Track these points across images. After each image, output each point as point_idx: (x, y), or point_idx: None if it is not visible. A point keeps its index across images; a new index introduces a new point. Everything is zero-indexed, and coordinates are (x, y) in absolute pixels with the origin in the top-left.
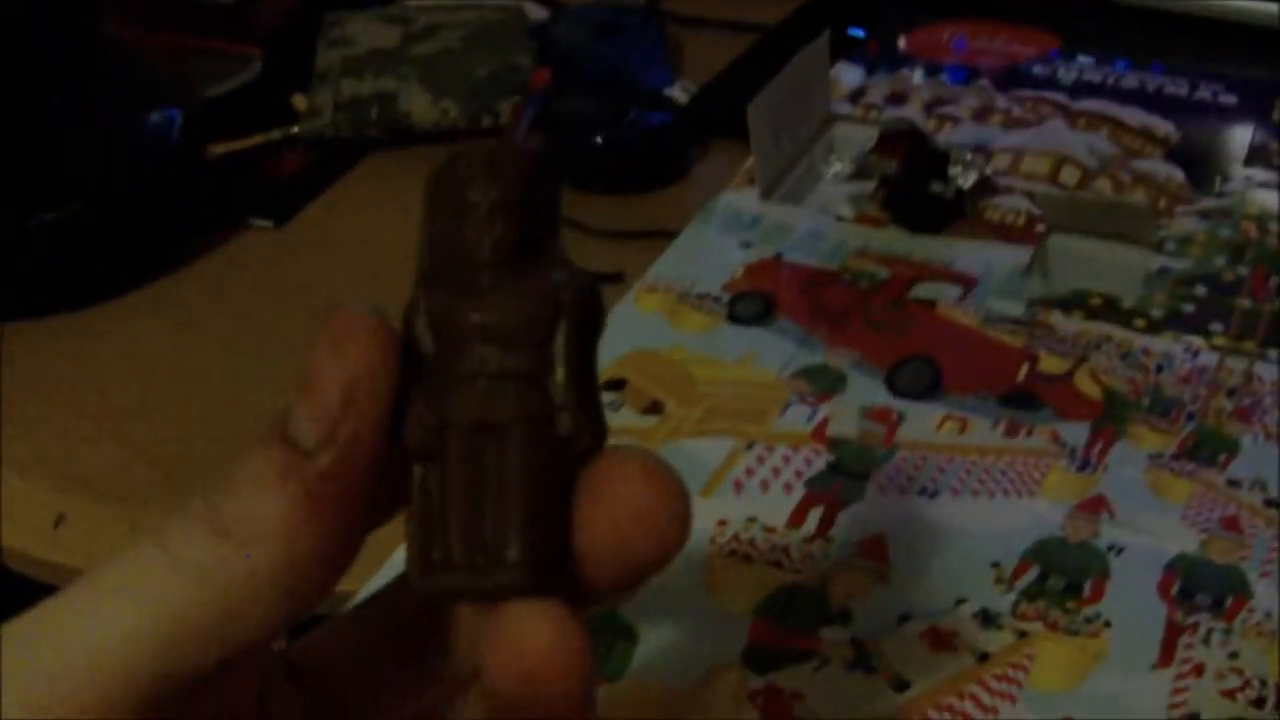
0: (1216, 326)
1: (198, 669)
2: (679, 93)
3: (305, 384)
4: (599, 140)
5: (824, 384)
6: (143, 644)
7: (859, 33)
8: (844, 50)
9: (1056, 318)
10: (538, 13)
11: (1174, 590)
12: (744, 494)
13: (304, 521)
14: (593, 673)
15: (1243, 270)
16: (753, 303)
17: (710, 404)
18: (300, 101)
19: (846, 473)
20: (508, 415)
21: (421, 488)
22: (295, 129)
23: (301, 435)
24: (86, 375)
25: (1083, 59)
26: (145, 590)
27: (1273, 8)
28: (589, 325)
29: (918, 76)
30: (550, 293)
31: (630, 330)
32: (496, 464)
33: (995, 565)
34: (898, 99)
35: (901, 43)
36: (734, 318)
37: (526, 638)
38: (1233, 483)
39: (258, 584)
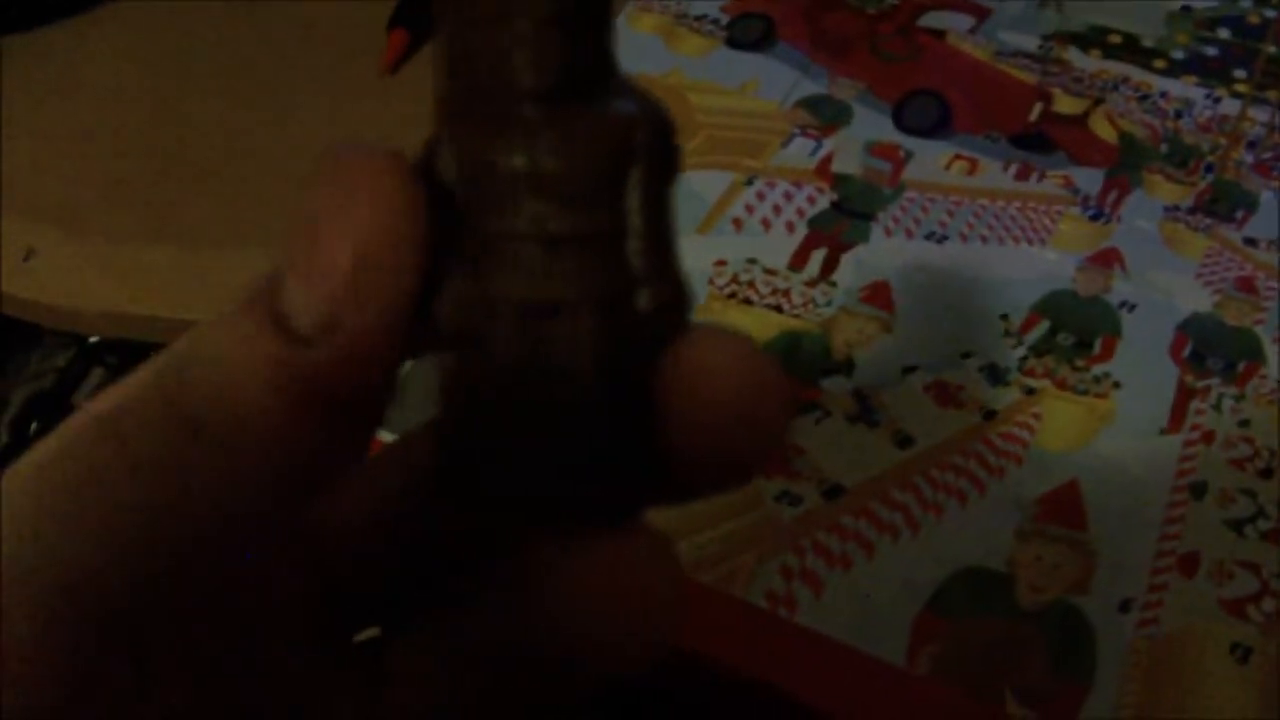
0: (1240, 73)
1: (148, 590)
2: None
3: (302, 243)
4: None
5: (828, 116)
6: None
7: None
8: None
9: (1073, 54)
10: None
11: (1186, 352)
12: (744, 232)
13: (299, 425)
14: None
15: (1269, 14)
16: (753, 25)
17: (708, 134)
18: None
19: (851, 212)
20: (573, 291)
21: (461, 381)
22: None
23: (296, 315)
24: (49, 100)
25: None
26: (93, 492)
27: None
28: (666, 171)
29: None
30: (620, 128)
31: (624, 53)
32: (564, 353)
33: (1004, 317)
34: None
35: None
36: (733, 41)
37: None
38: (1250, 241)
39: (239, 496)
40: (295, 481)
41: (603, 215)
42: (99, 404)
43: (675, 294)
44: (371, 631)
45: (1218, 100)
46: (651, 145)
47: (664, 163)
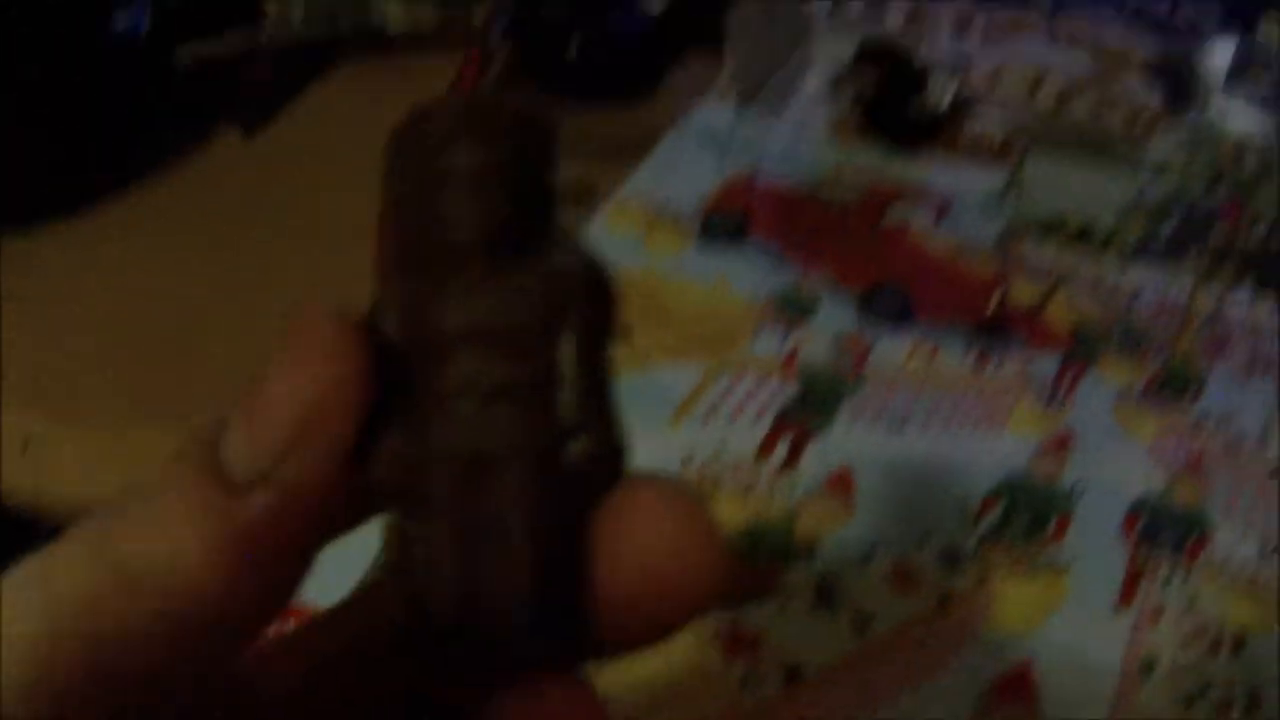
0: (1190, 256)
1: None
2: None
3: (248, 397)
4: (574, 48)
5: (796, 309)
6: None
7: None
8: None
9: (1030, 244)
10: None
11: (1136, 530)
12: (712, 423)
13: (223, 570)
14: None
15: (1218, 200)
16: (726, 221)
17: (681, 329)
18: (271, 6)
19: (816, 403)
20: (505, 444)
21: (401, 534)
22: (265, 32)
23: (235, 464)
24: (51, 291)
25: None
26: (14, 622)
27: None
28: (602, 322)
29: None
30: (553, 282)
31: (602, 251)
32: (495, 507)
33: (961, 502)
34: (878, 11)
35: None
36: (707, 237)
37: None
38: (1199, 421)
39: (167, 637)
40: (224, 628)
41: (536, 368)
42: (37, 555)
43: (608, 444)
44: None
45: (1168, 285)
46: (587, 297)
47: (599, 315)
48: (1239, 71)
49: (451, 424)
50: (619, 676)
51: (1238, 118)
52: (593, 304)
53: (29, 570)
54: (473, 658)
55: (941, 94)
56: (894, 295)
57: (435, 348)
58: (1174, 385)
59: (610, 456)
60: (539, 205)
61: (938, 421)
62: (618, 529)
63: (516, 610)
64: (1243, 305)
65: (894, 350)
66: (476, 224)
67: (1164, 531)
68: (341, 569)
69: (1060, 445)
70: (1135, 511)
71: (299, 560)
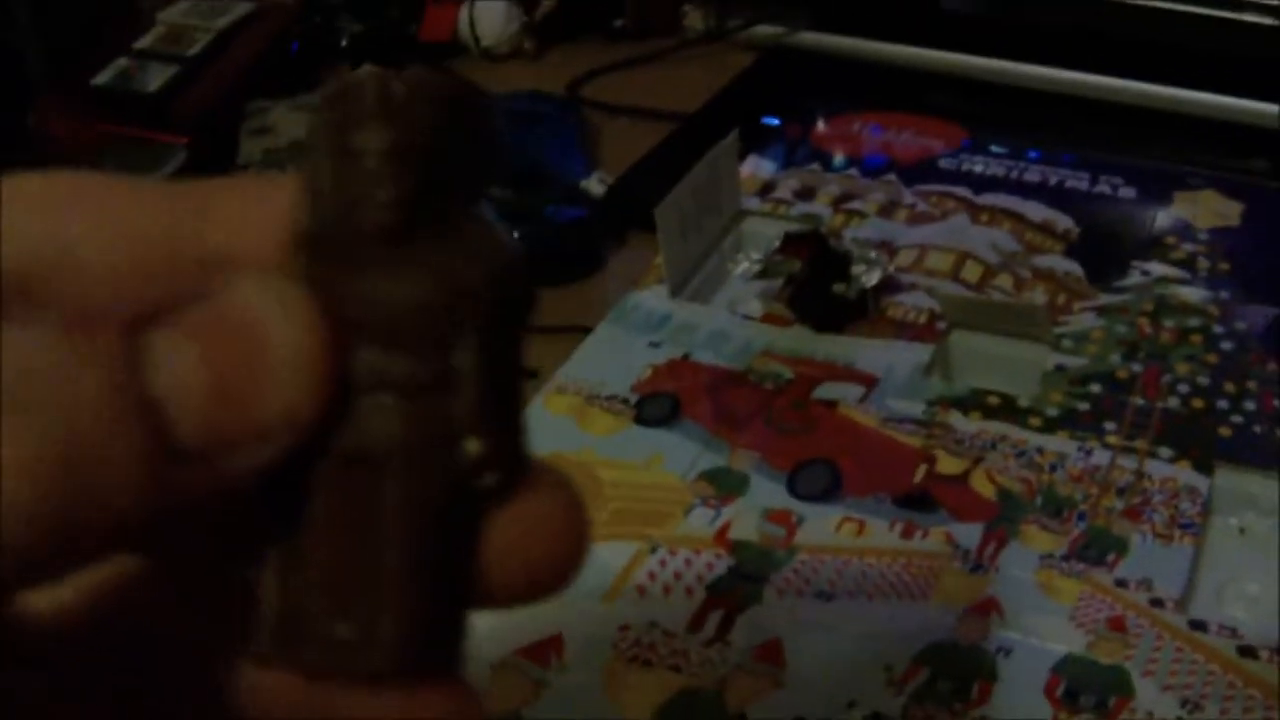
0: (1110, 425)
1: None
2: (596, 184)
3: (215, 348)
4: (515, 236)
5: (727, 487)
6: None
7: (774, 121)
8: (758, 140)
9: (955, 417)
10: None
11: (1059, 691)
12: (646, 598)
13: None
14: None
15: (1136, 368)
16: (660, 404)
17: (615, 507)
18: None
19: (746, 576)
20: (390, 442)
21: (278, 530)
22: None
23: (183, 422)
24: None
25: (994, 149)
26: None
27: (1175, 93)
28: (510, 316)
29: (832, 167)
30: (453, 272)
31: (539, 433)
32: (373, 508)
33: (887, 668)
34: (807, 194)
35: (819, 128)
36: (641, 419)
37: None
38: (1120, 582)
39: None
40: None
41: (430, 360)
42: None
43: (506, 446)
44: None
45: (1089, 452)
46: (492, 286)
47: (506, 308)
48: (1157, 243)
49: (340, 418)
50: None
51: (1155, 289)
52: (499, 296)
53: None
54: (332, 668)
55: (866, 276)
56: (823, 471)
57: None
58: (1095, 549)
59: (506, 458)
60: (458, 186)
61: (865, 591)
62: (506, 532)
63: (386, 619)
64: (1162, 470)
65: (823, 523)
66: (381, 205)
67: (1086, 691)
68: None
69: (984, 611)
70: (1058, 673)
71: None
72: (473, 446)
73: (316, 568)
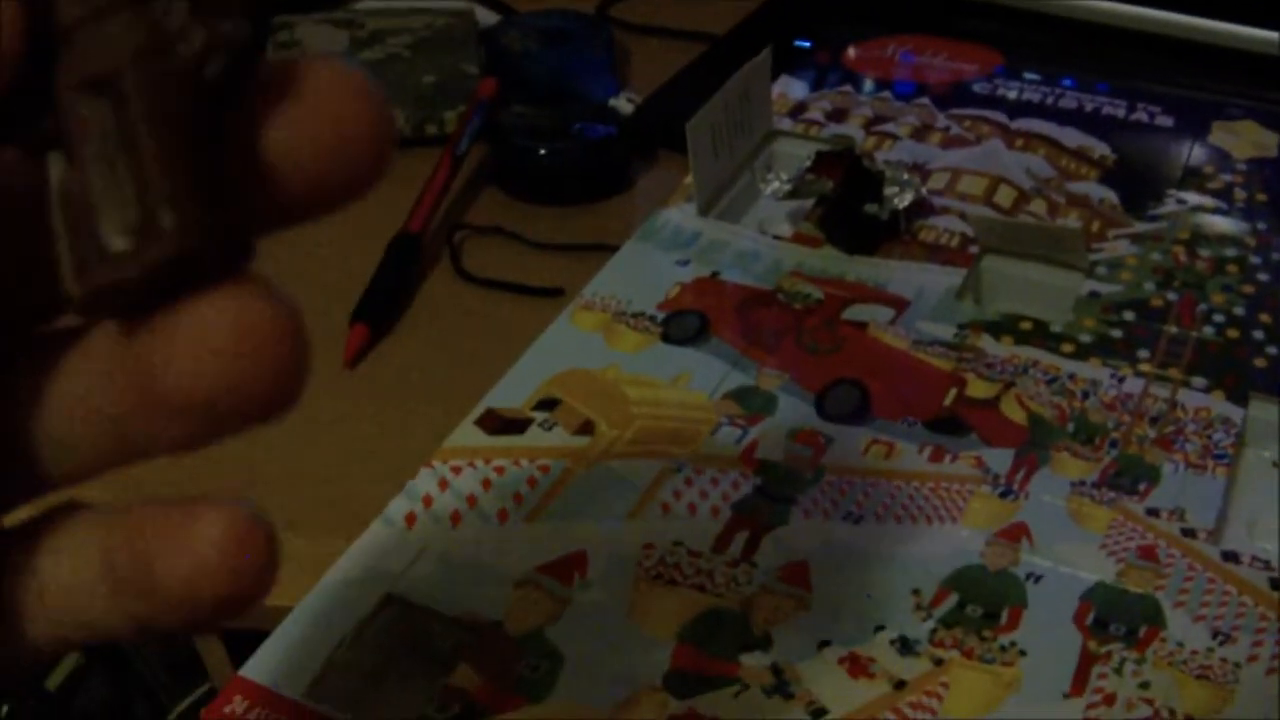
0: (1143, 353)
1: None
2: (624, 103)
3: None
4: (542, 152)
5: (754, 406)
6: None
7: (805, 44)
8: (790, 62)
9: (986, 341)
10: (488, 18)
11: (1089, 619)
12: (670, 516)
13: None
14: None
15: (1171, 296)
16: (687, 322)
17: (641, 425)
18: None
19: (773, 496)
20: (115, 60)
21: (54, 177)
22: None
23: None
24: None
25: (1029, 76)
26: None
27: (1215, 25)
28: None
29: (863, 91)
30: None
31: (566, 348)
32: (119, 123)
33: (915, 592)
34: (839, 115)
35: (850, 53)
36: (668, 337)
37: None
38: (1151, 511)
39: None
40: None
41: None
42: None
43: (226, 28)
44: None
45: (1122, 380)
46: None
47: None
48: (1194, 171)
49: (71, 53)
50: None
51: (1190, 218)
52: None
53: None
54: (130, 279)
55: (899, 197)
56: (851, 392)
57: None
58: (1127, 478)
59: (225, 40)
60: None
61: (893, 514)
62: (283, 112)
63: (164, 209)
64: (1195, 399)
65: (851, 445)
66: None
67: (1116, 620)
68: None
69: (1013, 536)
70: (1087, 600)
71: None
72: (197, 37)
73: (94, 196)
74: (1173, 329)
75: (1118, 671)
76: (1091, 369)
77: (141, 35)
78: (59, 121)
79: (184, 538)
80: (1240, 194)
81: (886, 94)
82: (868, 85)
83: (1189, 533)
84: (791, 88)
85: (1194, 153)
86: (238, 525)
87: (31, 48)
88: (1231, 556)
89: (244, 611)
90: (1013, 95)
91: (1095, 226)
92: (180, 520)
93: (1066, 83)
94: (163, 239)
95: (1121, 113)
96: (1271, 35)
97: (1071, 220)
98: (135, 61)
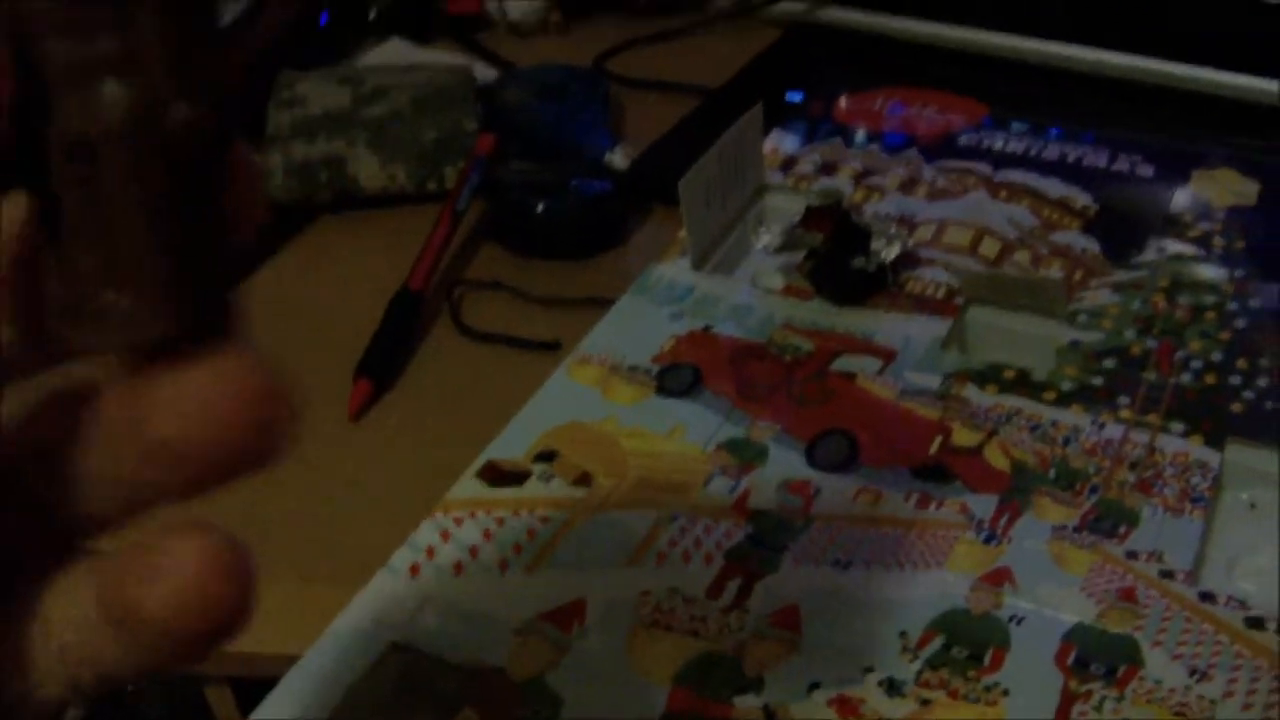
0: (1123, 399)
1: None
2: (620, 158)
3: None
4: (539, 209)
5: (746, 456)
6: None
7: (797, 97)
8: (781, 115)
9: (971, 390)
10: (485, 73)
11: (1070, 659)
12: (666, 565)
13: None
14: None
15: (1150, 344)
16: (681, 375)
17: (637, 476)
18: None
19: (765, 544)
20: (100, 124)
21: (47, 226)
22: None
23: None
24: None
25: (1016, 126)
26: None
27: (1194, 72)
28: None
29: (854, 143)
30: None
31: (563, 402)
32: (104, 187)
33: (902, 635)
34: (829, 169)
35: (841, 105)
36: (663, 390)
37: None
38: (1131, 554)
39: None
40: None
41: (121, 38)
42: None
43: (207, 106)
44: None
45: (1102, 426)
46: None
47: None
48: (1174, 221)
49: (55, 111)
50: None
51: (1170, 266)
52: None
53: None
54: (109, 342)
55: (886, 250)
56: (840, 442)
57: (26, 35)
58: (1107, 521)
59: (212, 118)
60: None
61: (881, 560)
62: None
63: (144, 284)
64: (1174, 444)
65: (840, 493)
66: None
67: (1096, 660)
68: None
69: (997, 580)
70: (1069, 641)
71: None
72: (183, 105)
73: (81, 255)
74: (1152, 376)
75: (1098, 709)
76: (1073, 416)
77: (126, 105)
78: (50, 177)
79: (161, 572)
80: (1219, 241)
81: (875, 147)
82: (859, 137)
83: (1167, 574)
84: (783, 141)
85: (1175, 201)
86: (210, 553)
87: (20, 100)
88: (1208, 597)
89: (233, 636)
90: (998, 146)
91: (1077, 276)
92: (157, 556)
93: (1053, 133)
94: (151, 312)
95: (1103, 162)
96: (1251, 82)
97: (1054, 271)
98: (119, 130)
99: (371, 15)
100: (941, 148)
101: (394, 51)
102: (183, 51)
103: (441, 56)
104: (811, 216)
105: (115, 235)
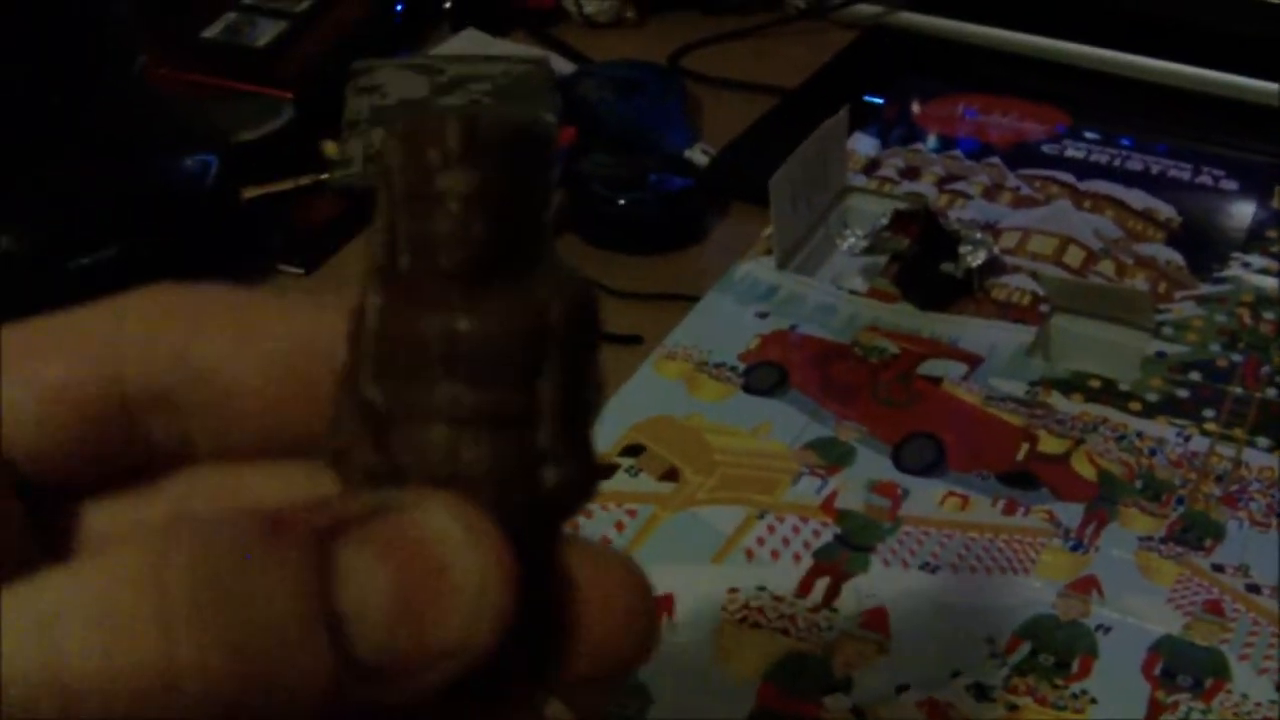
0: (1209, 413)
1: None
2: (699, 154)
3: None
4: (621, 202)
5: (833, 457)
6: None
7: (877, 100)
8: (860, 117)
9: (1056, 398)
10: (563, 67)
11: (1157, 670)
12: (754, 562)
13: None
14: None
15: (1236, 358)
16: (767, 374)
17: (724, 473)
18: (330, 148)
19: (852, 545)
20: (479, 469)
21: None
22: (325, 176)
23: (365, 638)
24: None
25: (1090, 135)
26: None
27: (1274, 87)
28: (584, 347)
29: (931, 148)
30: (535, 310)
31: (650, 396)
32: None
33: (989, 640)
34: (912, 173)
35: (915, 110)
36: (749, 388)
37: None
38: (1217, 567)
39: None
40: None
41: (513, 395)
42: None
43: (581, 470)
44: None
45: (1188, 438)
46: (569, 324)
47: (581, 340)
48: (1257, 234)
49: (427, 443)
50: None
51: (1255, 280)
52: (576, 330)
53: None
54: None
55: (972, 256)
56: (927, 445)
57: (415, 368)
58: (1193, 534)
59: (582, 482)
60: (529, 226)
61: (968, 564)
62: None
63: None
64: (1259, 459)
65: (927, 497)
66: (463, 247)
67: (1183, 672)
68: None
69: (1084, 588)
70: (1155, 652)
71: None
72: (552, 474)
73: None
74: (1237, 389)
75: None
76: (1158, 427)
77: (509, 454)
78: None
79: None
80: None
81: (957, 152)
82: (931, 141)
83: (1253, 588)
84: (861, 144)
85: (1257, 216)
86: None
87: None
88: None
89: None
90: (1080, 156)
91: (1162, 288)
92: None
93: (1125, 142)
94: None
95: (1186, 175)
96: None
97: (1139, 282)
98: (497, 476)
99: (446, 4)
100: (1022, 155)
101: (469, 43)
102: (569, 419)
103: (517, 49)
104: (899, 220)
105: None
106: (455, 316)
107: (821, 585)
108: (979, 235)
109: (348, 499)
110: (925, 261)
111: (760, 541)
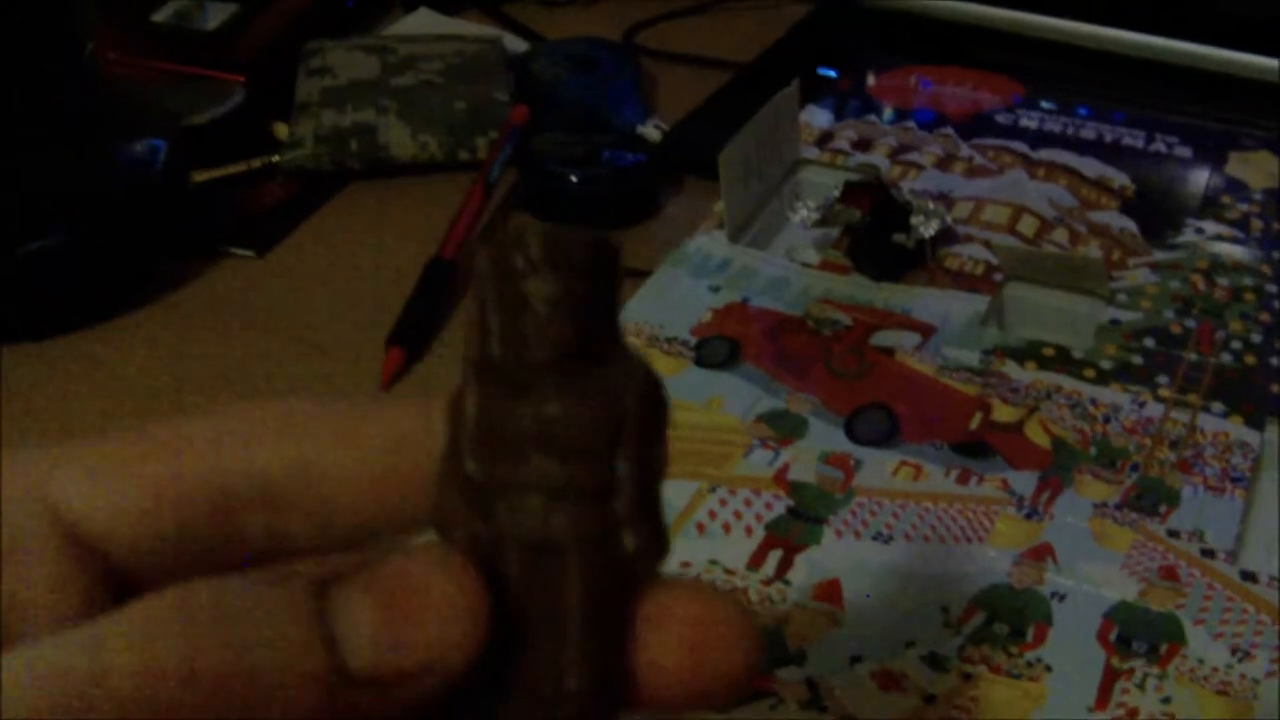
0: (1163, 379)
1: None
2: (652, 130)
3: (391, 600)
4: (574, 179)
5: (785, 429)
6: None
7: (830, 73)
8: (814, 90)
9: (1010, 367)
10: (516, 45)
11: (1112, 636)
12: (706, 536)
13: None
14: None
15: (1190, 323)
16: (719, 347)
17: (676, 447)
18: (281, 130)
19: (805, 517)
20: (567, 536)
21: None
22: (276, 159)
23: (357, 653)
24: (59, 405)
25: (1045, 105)
26: None
27: (1229, 55)
28: (654, 429)
29: (886, 120)
30: (614, 396)
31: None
32: (556, 587)
33: (944, 609)
34: (864, 145)
35: (870, 82)
36: (701, 361)
37: None
38: (1172, 533)
39: None
40: None
41: (597, 469)
42: None
43: (656, 535)
44: None
45: (1143, 405)
46: (642, 406)
47: (653, 420)
48: (1212, 200)
49: (522, 512)
50: None
51: (1209, 246)
52: (647, 413)
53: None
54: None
55: (925, 227)
56: (880, 416)
57: (511, 447)
58: (1148, 500)
59: (656, 546)
60: (605, 323)
61: (922, 534)
62: (664, 613)
63: (572, 675)
64: (1214, 424)
65: (880, 467)
66: (551, 344)
67: (1138, 637)
68: None
69: (1039, 556)
70: (1110, 618)
71: None
72: (630, 539)
73: (510, 638)
74: (1192, 355)
75: (1140, 687)
76: (1113, 394)
77: (592, 521)
78: (496, 559)
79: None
80: (1257, 223)
81: (910, 123)
82: (887, 113)
83: (1208, 553)
84: (815, 116)
85: (1211, 183)
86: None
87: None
88: (1250, 576)
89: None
90: (1034, 125)
91: (1116, 255)
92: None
93: (1082, 111)
94: (565, 700)
95: (1140, 143)
96: None
97: (1093, 249)
98: (582, 541)
99: None
100: (976, 126)
101: (422, 22)
102: (644, 491)
103: (470, 27)
104: (851, 192)
105: (553, 626)
106: (546, 403)
107: (774, 558)
108: (931, 206)
109: (342, 558)
110: (877, 233)
111: (712, 515)
